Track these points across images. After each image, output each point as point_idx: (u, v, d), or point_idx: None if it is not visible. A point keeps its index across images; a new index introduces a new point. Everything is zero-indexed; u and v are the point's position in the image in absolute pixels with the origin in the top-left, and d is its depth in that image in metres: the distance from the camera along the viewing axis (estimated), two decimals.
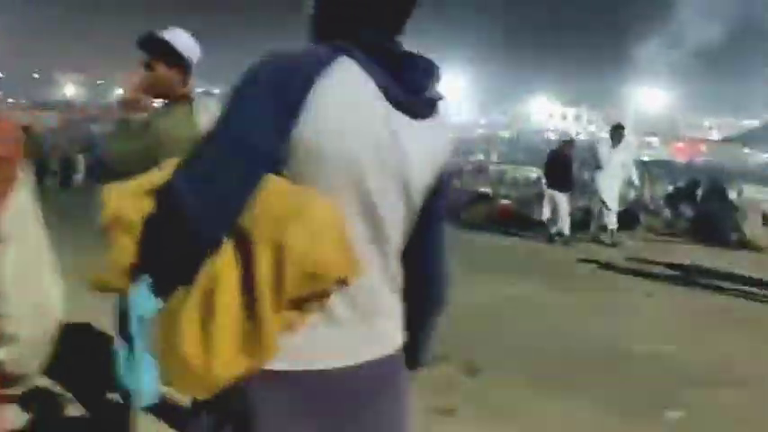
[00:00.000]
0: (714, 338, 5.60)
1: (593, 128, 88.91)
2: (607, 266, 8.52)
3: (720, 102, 77.79)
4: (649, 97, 71.54)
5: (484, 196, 14.10)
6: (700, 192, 13.67)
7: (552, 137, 77.16)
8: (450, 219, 1.54)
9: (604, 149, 10.04)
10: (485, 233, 10.84)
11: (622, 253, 9.54)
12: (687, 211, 12.96)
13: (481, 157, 54.50)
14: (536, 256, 9.29)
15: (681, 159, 51.50)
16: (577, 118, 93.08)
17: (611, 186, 9.93)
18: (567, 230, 10.18)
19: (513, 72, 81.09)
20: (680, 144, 55.62)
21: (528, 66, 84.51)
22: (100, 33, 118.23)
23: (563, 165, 10.37)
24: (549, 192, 10.66)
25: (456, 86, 76.23)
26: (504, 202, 13.40)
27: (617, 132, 10.25)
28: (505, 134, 78.06)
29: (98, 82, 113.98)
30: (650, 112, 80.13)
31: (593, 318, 6.02)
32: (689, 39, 42.97)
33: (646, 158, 44.90)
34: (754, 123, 79.81)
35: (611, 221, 10.04)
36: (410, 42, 1.30)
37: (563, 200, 10.18)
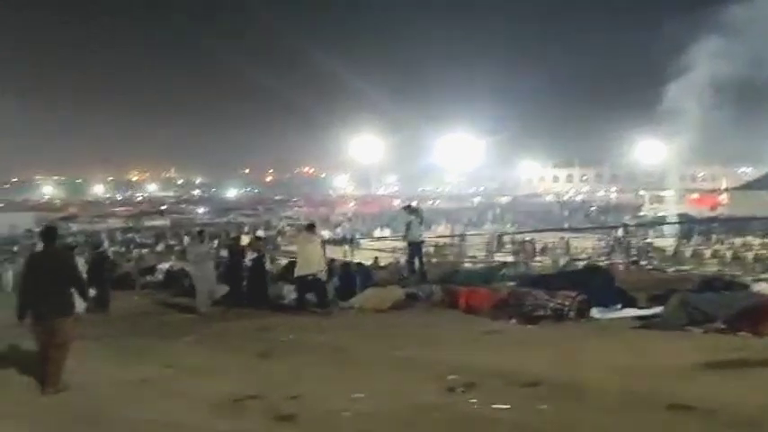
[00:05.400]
0: None
1: (586, 188, 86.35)
2: None
3: (710, 152, 75.30)
4: (645, 151, 68.79)
5: None
6: None
7: (550, 199, 74.33)
8: None
9: None
10: None
11: None
12: None
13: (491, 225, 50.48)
14: None
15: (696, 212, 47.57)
16: (569, 178, 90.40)
17: None
18: None
19: (497, 139, 78.12)
20: (694, 196, 51.87)
21: (513, 131, 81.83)
22: (74, 133, 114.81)
23: None
24: None
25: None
26: None
27: None
28: (502, 200, 74.67)
29: (77, 181, 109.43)
30: (643, 167, 77.63)
31: None
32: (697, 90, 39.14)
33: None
34: (746, 171, 77.59)
35: None
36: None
37: None
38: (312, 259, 12.28)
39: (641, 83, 76.94)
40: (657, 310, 9.21)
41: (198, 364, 8.26)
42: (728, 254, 28.41)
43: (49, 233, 7.56)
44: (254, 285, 13.21)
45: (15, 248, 35.12)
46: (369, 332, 9.68)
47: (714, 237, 35.58)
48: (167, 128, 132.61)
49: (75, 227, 49.22)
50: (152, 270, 23.79)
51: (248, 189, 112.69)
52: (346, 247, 31.00)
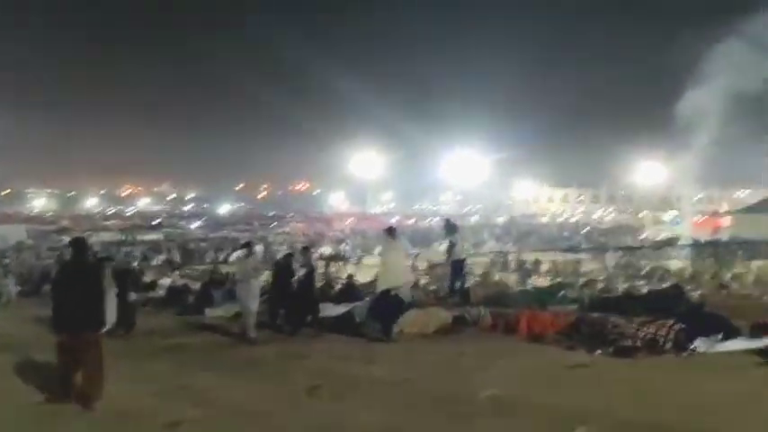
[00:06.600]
0: None
1: (582, 208, 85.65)
2: None
3: (708, 175, 74.27)
4: (644, 173, 68.22)
5: None
6: None
7: (547, 219, 73.48)
8: None
9: None
10: None
11: None
12: None
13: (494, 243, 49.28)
14: None
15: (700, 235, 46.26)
16: (565, 198, 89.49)
17: None
18: None
19: (498, 158, 76.95)
20: (698, 218, 50.73)
21: (513, 150, 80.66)
22: (68, 147, 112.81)
23: None
24: None
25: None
26: None
27: None
28: (500, 220, 73.58)
29: (68, 194, 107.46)
30: (641, 189, 77.14)
31: None
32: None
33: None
34: (744, 194, 76.99)
35: None
36: None
37: None
38: (396, 270, 10.63)
39: (642, 105, 76.54)
40: None
41: (238, 402, 6.81)
42: (751, 278, 27.19)
43: (77, 244, 7.16)
44: (304, 305, 11.66)
45: (6, 261, 33.50)
46: (429, 364, 8.23)
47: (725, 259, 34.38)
48: (160, 143, 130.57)
49: (67, 240, 47.45)
50: (153, 286, 22.26)
51: (241, 205, 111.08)
52: (340, 263, 29.39)
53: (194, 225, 69.41)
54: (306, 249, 13.36)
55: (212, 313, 15.02)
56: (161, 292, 20.53)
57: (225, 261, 33.43)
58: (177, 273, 27.04)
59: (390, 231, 11.13)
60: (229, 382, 7.75)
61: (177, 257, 37.21)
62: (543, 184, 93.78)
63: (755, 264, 31.47)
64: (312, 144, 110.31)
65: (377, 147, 73.98)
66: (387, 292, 10.33)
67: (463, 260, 13.18)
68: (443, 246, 13.71)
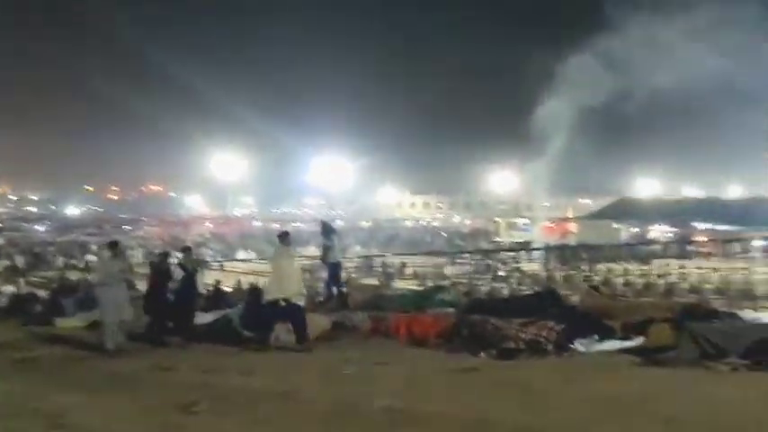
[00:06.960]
0: None
1: (440, 215, 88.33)
2: None
3: (556, 183, 78.88)
4: (498, 181, 71.65)
5: None
6: None
7: (409, 224, 75.08)
8: None
9: None
10: None
11: None
12: None
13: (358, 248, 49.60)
14: None
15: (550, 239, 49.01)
16: (426, 205, 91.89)
17: None
18: None
19: (361, 163, 77.74)
20: (548, 224, 53.63)
21: (377, 156, 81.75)
22: None
23: None
24: None
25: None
26: None
27: None
28: (365, 224, 74.18)
29: None
30: (495, 196, 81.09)
31: None
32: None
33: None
34: (587, 202, 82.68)
35: None
36: None
37: None
38: (288, 279, 9.80)
39: (498, 116, 79.97)
40: (639, 340, 8.16)
41: (99, 424, 6.02)
42: (597, 278, 28.85)
43: None
44: (182, 312, 10.70)
45: None
46: (313, 373, 7.77)
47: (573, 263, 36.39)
48: None
49: None
50: None
51: (91, 207, 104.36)
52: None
53: (39, 228, 64.53)
54: (187, 249, 12.26)
55: (64, 323, 13.71)
56: (3, 301, 18.83)
57: (75, 267, 31.20)
58: (22, 280, 24.92)
59: (283, 237, 10.46)
60: (88, 401, 6.88)
61: (22, 263, 34.49)
62: (405, 191, 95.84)
63: (600, 266, 33.68)
64: (167, 145, 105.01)
65: (238, 149, 72.30)
66: (275, 301, 9.68)
67: (339, 263, 12.81)
68: (319, 249, 13.24)
